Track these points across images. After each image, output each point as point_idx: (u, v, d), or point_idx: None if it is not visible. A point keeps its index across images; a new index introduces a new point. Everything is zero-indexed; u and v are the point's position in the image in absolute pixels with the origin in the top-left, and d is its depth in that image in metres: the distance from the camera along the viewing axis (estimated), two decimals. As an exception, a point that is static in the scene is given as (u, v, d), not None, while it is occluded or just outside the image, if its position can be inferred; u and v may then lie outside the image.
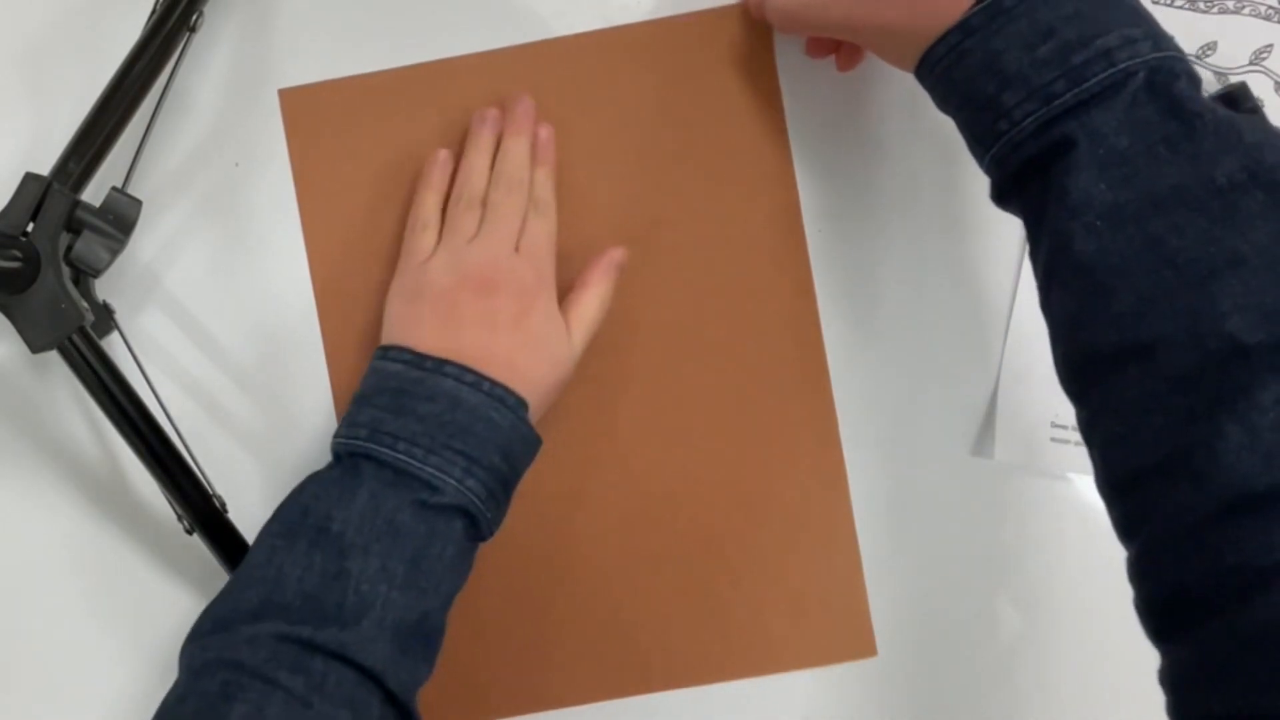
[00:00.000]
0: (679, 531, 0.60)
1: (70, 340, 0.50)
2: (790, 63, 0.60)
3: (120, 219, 0.52)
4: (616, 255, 0.58)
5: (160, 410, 0.54)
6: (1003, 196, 0.49)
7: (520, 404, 0.52)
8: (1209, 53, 0.60)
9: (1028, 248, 0.48)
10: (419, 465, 0.49)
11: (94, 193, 0.52)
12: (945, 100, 0.49)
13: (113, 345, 0.57)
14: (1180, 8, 0.59)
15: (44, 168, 0.51)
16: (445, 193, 0.58)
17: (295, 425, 0.60)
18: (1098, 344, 0.43)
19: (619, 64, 0.59)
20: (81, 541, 0.60)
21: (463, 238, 0.55)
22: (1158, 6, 0.59)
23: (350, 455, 0.51)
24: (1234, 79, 0.59)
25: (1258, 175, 0.41)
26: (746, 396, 0.60)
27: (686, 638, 0.60)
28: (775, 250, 0.60)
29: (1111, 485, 0.43)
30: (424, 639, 0.50)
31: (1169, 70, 0.43)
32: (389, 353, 0.53)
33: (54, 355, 0.50)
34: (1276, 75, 0.59)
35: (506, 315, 0.53)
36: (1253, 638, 0.37)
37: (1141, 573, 0.42)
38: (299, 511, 0.50)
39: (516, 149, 0.57)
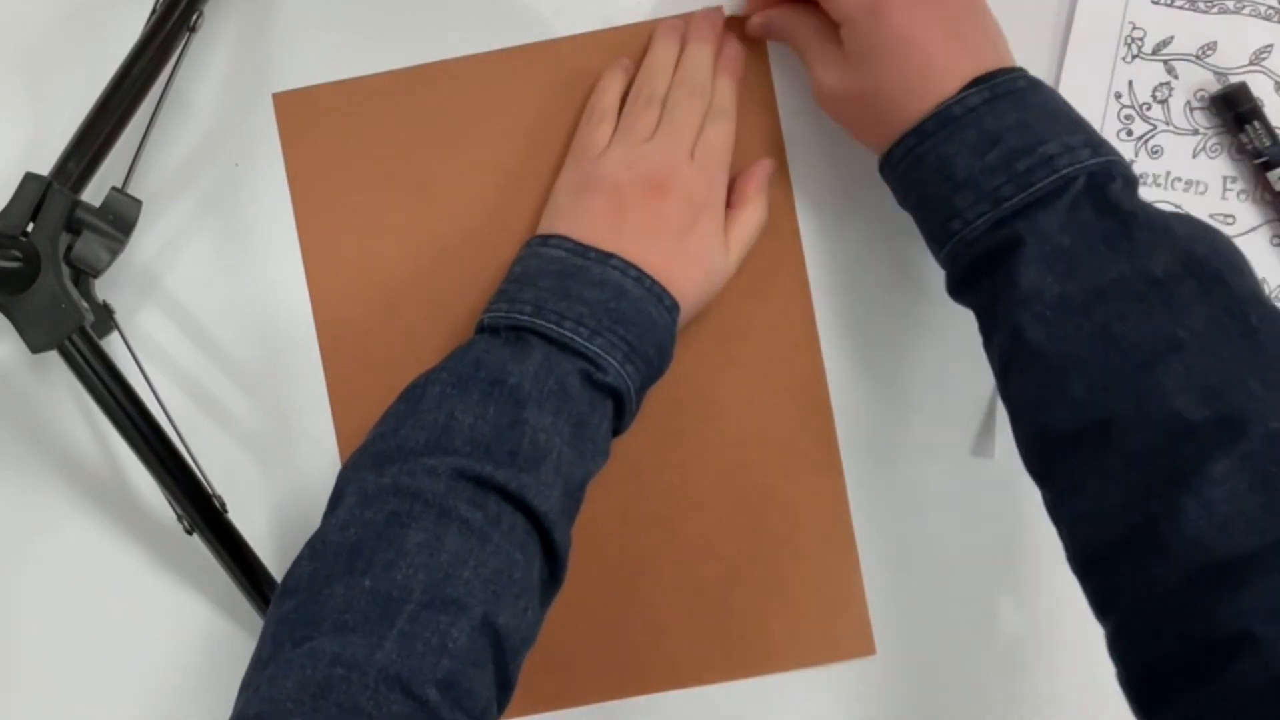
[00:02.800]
0: (676, 531, 0.60)
1: (70, 340, 0.50)
2: (787, 62, 0.60)
3: (120, 219, 0.52)
4: (768, 165, 0.58)
5: (160, 410, 0.54)
6: (957, 290, 0.52)
7: (675, 307, 0.53)
8: (1209, 53, 0.59)
9: (981, 339, 0.51)
10: (584, 344, 0.50)
11: (94, 193, 0.52)
12: (904, 197, 0.52)
13: (113, 345, 0.57)
14: (1180, 8, 0.59)
15: (44, 168, 0.51)
16: (625, 90, 0.58)
17: (294, 424, 0.60)
18: (1056, 426, 0.46)
19: (619, 64, 0.59)
20: (81, 541, 0.60)
21: (639, 136, 0.55)
22: (1158, 7, 0.59)
23: (513, 329, 0.51)
24: (1234, 79, 0.59)
25: (1190, 267, 0.44)
26: (743, 396, 0.60)
27: (685, 638, 0.60)
28: (771, 248, 0.60)
29: (1082, 562, 0.46)
30: (575, 504, 0.51)
31: (1105, 174, 0.47)
32: (549, 240, 0.54)
33: (54, 355, 0.50)
34: (1276, 75, 0.59)
35: (673, 222, 0.54)
36: (1227, 710, 0.39)
37: (1119, 650, 0.44)
38: (470, 364, 0.50)
39: (700, 54, 0.57)
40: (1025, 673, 0.60)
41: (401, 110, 0.60)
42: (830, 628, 0.60)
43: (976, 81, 0.49)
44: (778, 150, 0.60)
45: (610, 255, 0.52)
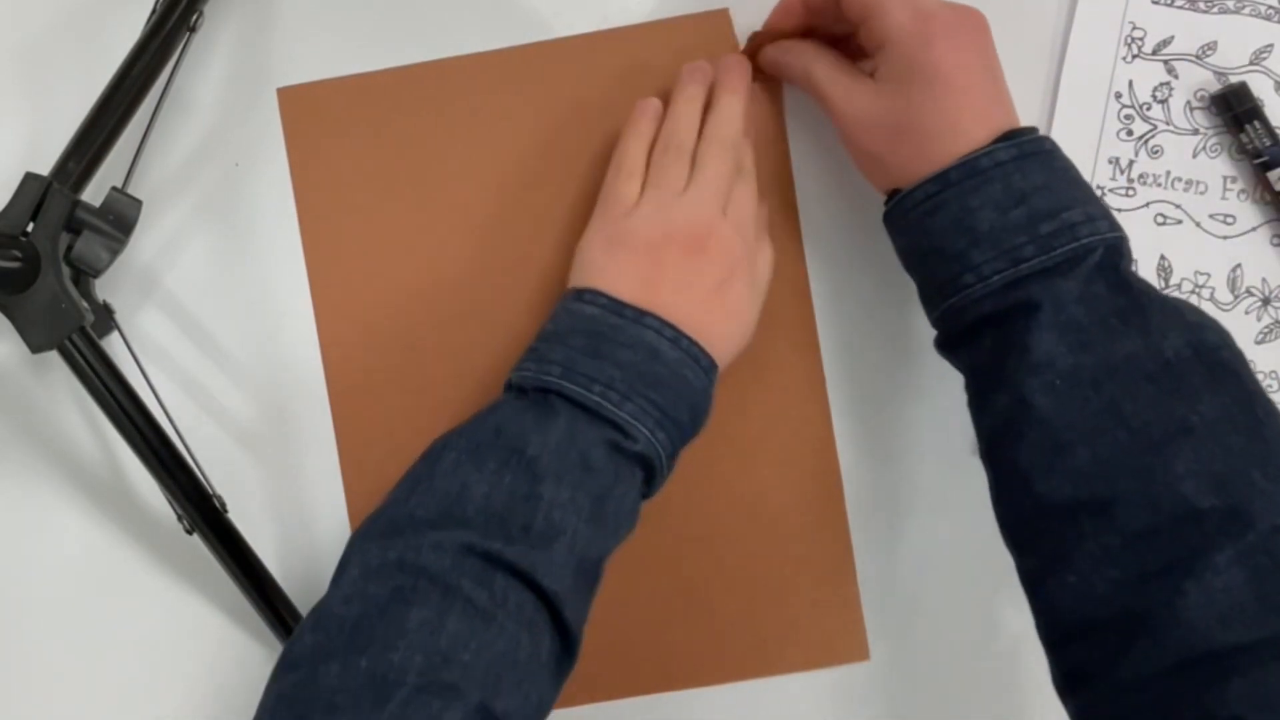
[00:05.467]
0: (672, 533, 0.60)
1: (70, 340, 0.50)
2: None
3: (120, 219, 0.52)
4: (763, 208, 0.58)
5: (160, 410, 0.54)
6: (952, 345, 0.51)
7: (712, 367, 0.52)
8: (1209, 53, 0.60)
9: (967, 396, 0.51)
10: (613, 409, 0.49)
11: (94, 193, 0.52)
12: (913, 244, 0.51)
13: (113, 345, 0.57)
14: (1180, 8, 0.59)
15: (44, 168, 0.51)
16: (652, 142, 0.56)
17: (294, 424, 0.60)
18: (1052, 496, 0.46)
19: (619, 66, 0.59)
20: (81, 541, 0.60)
21: (671, 190, 0.54)
22: (1158, 6, 0.59)
23: (540, 390, 0.50)
24: (1234, 79, 0.59)
25: (1200, 354, 0.45)
26: (741, 398, 0.60)
27: (679, 641, 0.60)
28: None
29: (1058, 634, 0.46)
30: (592, 581, 0.50)
31: (1118, 250, 0.47)
32: (584, 295, 0.52)
33: (54, 355, 0.50)
34: (1276, 75, 0.59)
35: (709, 279, 0.52)
36: None
37: None
38: (490, 431, 0.49)
39: (733, 108, 0.55)
40: (1019, 680, 0.60)
41: (403, 108, 0.60)
42: (825, 632, 0.60)
43: (1004, 137, 0.48)
44: (781, 145, 0.60)
45: (646, 313, 0.51)
